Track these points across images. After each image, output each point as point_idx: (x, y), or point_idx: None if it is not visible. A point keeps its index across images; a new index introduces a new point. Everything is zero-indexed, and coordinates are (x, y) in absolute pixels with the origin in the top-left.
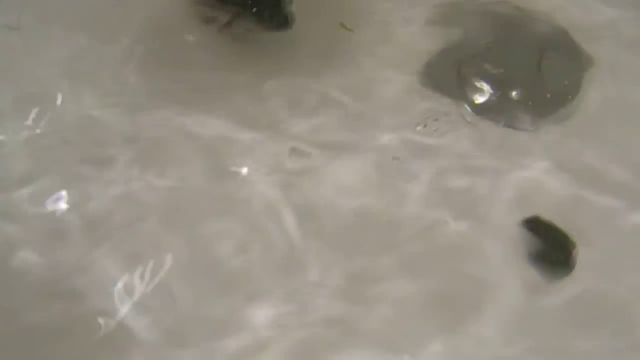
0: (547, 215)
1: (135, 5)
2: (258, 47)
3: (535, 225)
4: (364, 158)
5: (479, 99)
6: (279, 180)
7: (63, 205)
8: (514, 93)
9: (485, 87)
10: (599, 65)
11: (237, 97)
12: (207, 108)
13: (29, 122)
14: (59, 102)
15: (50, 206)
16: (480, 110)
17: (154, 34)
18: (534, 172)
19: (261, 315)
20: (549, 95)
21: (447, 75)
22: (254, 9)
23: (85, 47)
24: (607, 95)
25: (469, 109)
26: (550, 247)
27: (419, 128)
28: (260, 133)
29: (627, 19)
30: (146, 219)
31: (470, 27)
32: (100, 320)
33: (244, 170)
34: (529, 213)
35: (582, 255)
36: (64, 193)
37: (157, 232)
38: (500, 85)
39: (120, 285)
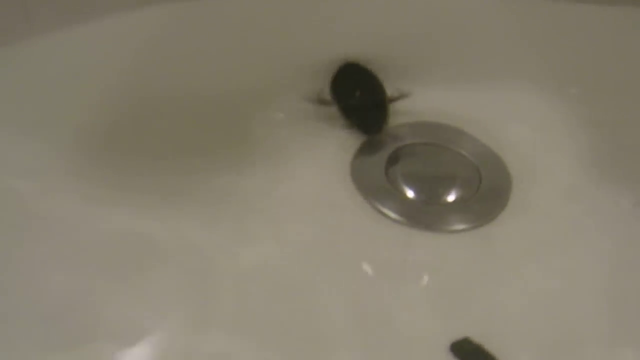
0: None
1: None
2: None
3: (463, 350)
4: None
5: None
6: None
7: None
8: (446, 194)
9: (413, 185)
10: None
11: None
12: None
13: None
14: None
15: None
16: (409, 211)
17: None
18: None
19: None
20: (481, 200)
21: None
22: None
23: None
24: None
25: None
26: None
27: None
28: None
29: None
30: None
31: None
32: None
33: None
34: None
35: None
36: None
37: None
38: (431, 185)
39: None
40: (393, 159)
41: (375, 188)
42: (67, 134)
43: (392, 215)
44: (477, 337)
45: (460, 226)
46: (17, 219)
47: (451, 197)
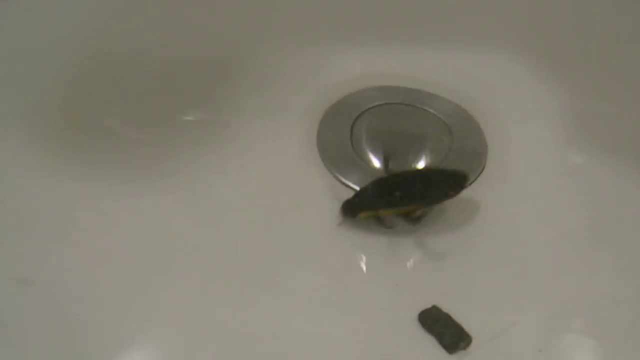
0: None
1: None
2: None
3: (431, 319)
4: None
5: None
6: None
7: None
8: (412, 161)
9: (381, 153)
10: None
11: None
12: None
13: None
14: None
15: None
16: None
17: None
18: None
19: None
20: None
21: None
22: None
23: None
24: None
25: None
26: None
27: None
28: None
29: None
30: None
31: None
32: None
33: None
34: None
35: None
36: None
37: None
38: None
39: None
40: (362, 124)
41: (341, 157)
42: (26, 97)
43: (357, 187)
44: (446, 306)
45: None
46: None
47: (421, 164)
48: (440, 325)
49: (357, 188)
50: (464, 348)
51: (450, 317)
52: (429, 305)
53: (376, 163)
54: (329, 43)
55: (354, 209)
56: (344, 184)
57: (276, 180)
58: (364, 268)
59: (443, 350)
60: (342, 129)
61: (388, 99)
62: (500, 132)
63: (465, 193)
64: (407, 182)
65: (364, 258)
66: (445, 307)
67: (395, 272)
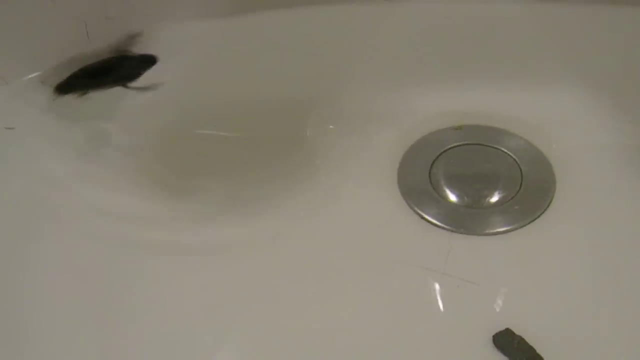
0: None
1: None
2: None
3: (505, 341)
4: None
5: (450, 201)
6: None
7: None
8: (486, 196)
9: (457, 188)
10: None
11: None
12: None
13: None
14: None
15: None
16: (450, 214)
17: None
18: (506, 280)
19: None
20: (522, 202)
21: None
22: None
23: None
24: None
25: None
26: None
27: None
28: None
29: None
30: None
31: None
32: None
33: None
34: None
35: None
36: None
37: None
38: (472, 187)
39: None
40: (438, 163)
41: (419, 193)
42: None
43: (435, 220)
44: (518, 329)
45: (503, 228)
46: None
47: (494, 198)
48: (514, 348)
49: (435, 221)
50: None
51: (523, 340)
52: (502, 328)
53: (453, 197)
54: (406, 84)
55: None
56: (422, 217)
57: (362, 220)
58: (439, 295)
59: None
60: (420, 168)
61: (462, 139)
62: (569, 169)
63: (536, 226)
64: None
65: (436, 286)
66: (518, 331)
67: (469, 296)
